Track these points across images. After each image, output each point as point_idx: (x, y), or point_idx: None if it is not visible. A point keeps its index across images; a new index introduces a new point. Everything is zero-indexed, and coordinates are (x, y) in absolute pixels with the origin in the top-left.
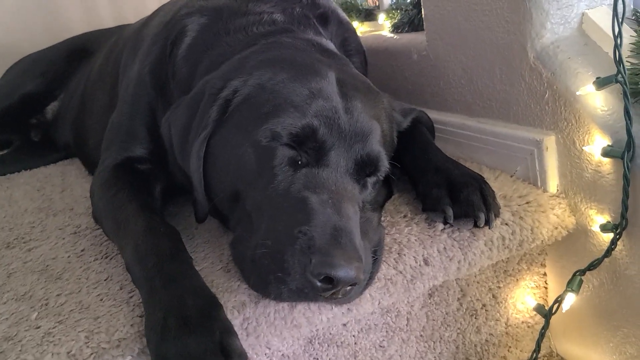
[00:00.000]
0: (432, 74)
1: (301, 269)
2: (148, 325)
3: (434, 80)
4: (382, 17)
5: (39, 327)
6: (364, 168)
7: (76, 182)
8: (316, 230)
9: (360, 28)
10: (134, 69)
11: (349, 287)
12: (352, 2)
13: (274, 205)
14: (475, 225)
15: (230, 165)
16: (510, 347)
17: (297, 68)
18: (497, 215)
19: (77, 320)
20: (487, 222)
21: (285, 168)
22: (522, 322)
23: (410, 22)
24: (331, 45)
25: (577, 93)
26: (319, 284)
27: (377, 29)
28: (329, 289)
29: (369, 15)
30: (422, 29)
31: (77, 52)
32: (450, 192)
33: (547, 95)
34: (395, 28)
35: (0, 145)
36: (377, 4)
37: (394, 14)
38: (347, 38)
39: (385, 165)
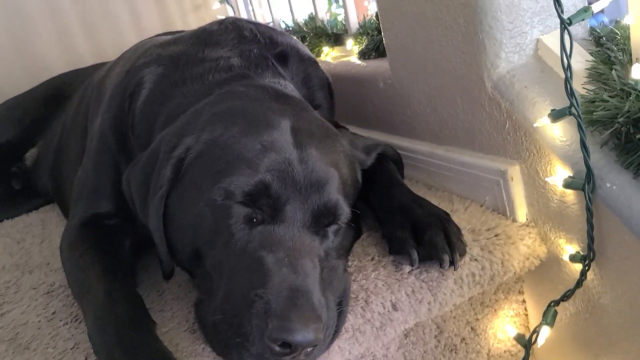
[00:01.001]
0: (399, 102)
1: (259, 334)
2: None
3: (401, 108)
4: (350, 43)
5: None
6: (321, 219)
7: (56, 231)
8: (271, 293)
9: (332, 53)
10: (96, 124)
11: (309, 349)
12: (322, 26)
13: (231, 265)
14: (441, 267)
15: (189, 224)
16: None
17: (249, 121)
18: (462, 254)
19: None
20: (452, 263)
21: (241, 226)
22: (505, 352)
23: (375, 47)
24: (289, 88)
25: (535, 125)
26: (277, 348)
27: (347, 54)
28: (288, 353)
29: (337, 39)
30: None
31: (53, 97)
32: (414, 233)
33: (507, 125)
34: (362, 54)
35: None
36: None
37: (361, 40)
38: (310, 74)
39: (345, 212)
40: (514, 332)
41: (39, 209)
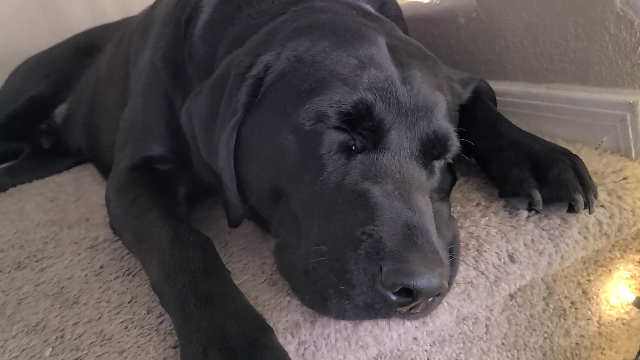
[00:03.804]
0: (485, 38)
1: (369, 280)
2: (185, 359)
3: (487, 45)
4: None
5: None
6: (431, 149)
7: (91, 190)
8: (384, 230)
9: None
10: (145, 56)
11: (430, 299)
12: None
13: (326, 202)
14: (570, 210)
15: (268, 157)
16: (604, 348)
17: (340, 34)
18: (596, 196)
19: (99, 356)
20: (587, 205)
21: (336, 156)
22: (617, 319)
23: None
24: (372, 9)
25: None
26: (393, 297)
27: None
28: (407, 302)
29: None
30: None
31: (83, 50)
32: (534, 171)
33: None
34: None
35: (10, 155)
36: None
37: None
38: (385, 3)
39: (455, 144)
40: (631, 296)
41: (69, 169)
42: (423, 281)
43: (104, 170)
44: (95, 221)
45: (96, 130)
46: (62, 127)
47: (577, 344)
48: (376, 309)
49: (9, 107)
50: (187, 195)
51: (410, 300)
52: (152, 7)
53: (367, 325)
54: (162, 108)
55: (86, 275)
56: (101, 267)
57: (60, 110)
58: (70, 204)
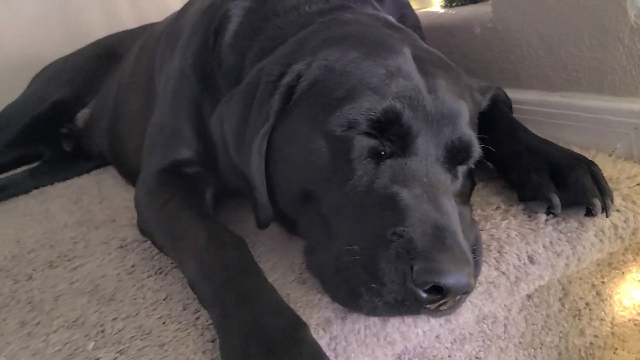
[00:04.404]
0: (500, 47)
1: (400, 278)
2: (225, 353)
3: (502, 54)
4: None
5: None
6: (455, 155)
7: (114, 192)
8: (414, 231)
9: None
10: (174, 63)
11: (458, 297)
12: None
13: (356, 204)
14: (588, 214)
15: (299, 162)
16: (616, 348)
17: (368, 45)
18: (612, 201)
19: (140, 349)
20: (604, 209)
21: (365, 161)
22: (629, 320)
23: None
24: (394, 20)
25: None
26: (424, 295)
27: (425, 6)
28: (437, 300)
29: None
30: (480, 1)
31: (105, 55)
32: (552, 176)
33: None
34: (449, 2)
35: (32, 158)
36: None
37: None
38: (405, 14)
39: (478, 150)
40: None
41: (89, 172)
42: (453, 279)
43: (127, 174)
44: (121, 222)
45: (119, 136)
46: (83, 131)
47: (591, 343)
48: (406, 305)
49: (32, 111)
50: (214, 197)
51: (440, 298)
52: (179, 17)
53: (394, 322)
54: (190, 113)
55: (119, 273)
56: (133, 266)
57: (81, 115)
58: (94, 205)
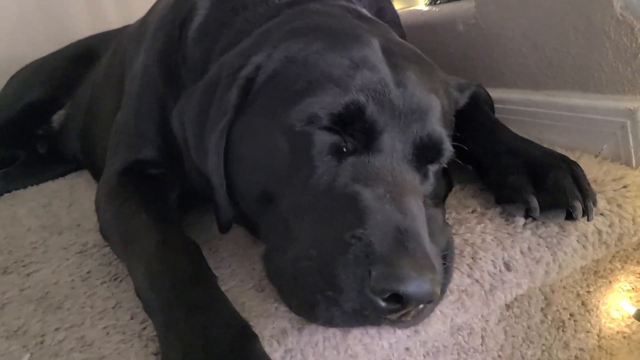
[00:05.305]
0: (483, 45)
1: (358, 285)
2: None
3: (485, 52)
4: None
5: None
6: (424, 153)
7: (85, 196)
8: (374, 234)
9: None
10: (139, 61)
11: (421, 306)
12: None
13: (316, 205)
14: (569, 218)
15: (258, 159)
16: None
17: (334, 35)
18: (594, 203)
19: None
20: (586, 213)
21: (327, 158)
22: (617, 333)
23: None
24: (368, 13)
25: None
26: (383, 303)
27: (410, 5)
28: (397, 309)
29: None
30: None
31: (82, 57)
32: (532, 178)
33: None
34: (433, 0)
35: (6, 161)
36: None
37: None
38: (383, 7)
39: (449, 148)
40: (631, 309)
41: (65, 175)
42: (413, 287)
43: (98, 176)
44: (86, 227)
45: (91, 138)
46: (59, 134)
47: (576, 357)
48: (365, 315)
49: (6, 113)
50: (179, 200)
51: (400, 307)
52: (148, 13)
53: (356, 333)
54: (155, 112)
55: (72, 280)
56: (88, 272)
57: (57, 117)
58: (62, 210)
